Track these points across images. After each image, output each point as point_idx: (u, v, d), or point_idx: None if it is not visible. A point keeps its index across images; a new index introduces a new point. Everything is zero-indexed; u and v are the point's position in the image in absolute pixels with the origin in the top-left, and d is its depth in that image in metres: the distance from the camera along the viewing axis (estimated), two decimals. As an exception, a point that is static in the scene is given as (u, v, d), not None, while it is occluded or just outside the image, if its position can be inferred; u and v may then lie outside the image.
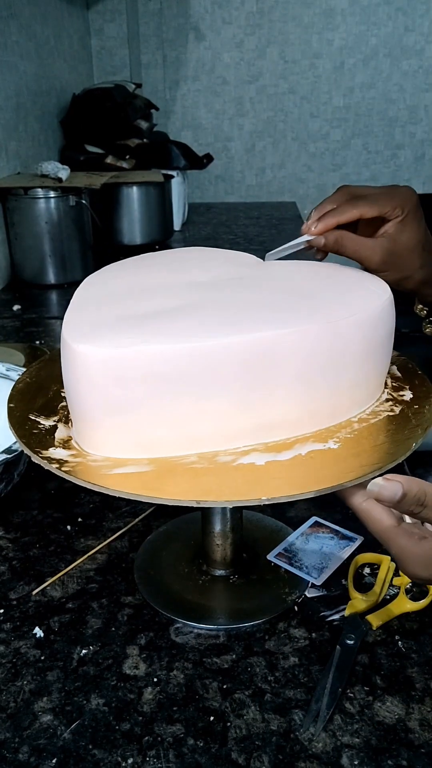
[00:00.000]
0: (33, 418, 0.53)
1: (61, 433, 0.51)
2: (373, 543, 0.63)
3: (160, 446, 0.47)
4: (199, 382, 0.46)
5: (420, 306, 0.67)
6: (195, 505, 0.42)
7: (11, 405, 0.55)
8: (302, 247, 0.61)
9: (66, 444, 0.49)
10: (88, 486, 0.44)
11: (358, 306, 0.51)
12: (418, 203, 0.58)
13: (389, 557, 0.60)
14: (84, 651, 0.53)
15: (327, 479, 0.45)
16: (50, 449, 0.49)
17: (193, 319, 0.48)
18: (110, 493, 0.44)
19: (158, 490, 0.44)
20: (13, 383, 0.59)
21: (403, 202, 0.57)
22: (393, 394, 0.56)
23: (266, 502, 0.43)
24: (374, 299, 0.52)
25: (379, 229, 0.59)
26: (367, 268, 0.59)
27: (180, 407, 0.46)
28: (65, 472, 0.46)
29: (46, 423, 0.52)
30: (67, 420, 0.52)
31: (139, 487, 0.44)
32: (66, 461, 0.47)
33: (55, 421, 0.52)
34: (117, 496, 0.44)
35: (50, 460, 0.47)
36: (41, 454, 0.48)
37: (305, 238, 0.60)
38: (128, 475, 0.46)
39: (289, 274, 0.59)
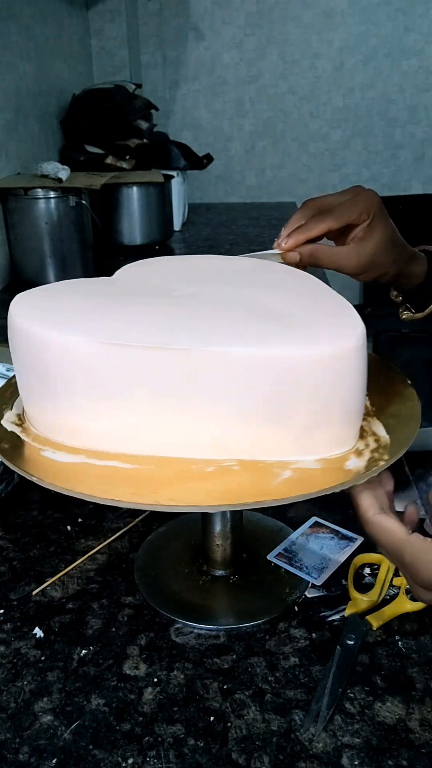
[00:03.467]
0: None
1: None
2: (373, 543, 0.63)
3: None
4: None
5: (395, 293, 0.69)
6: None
7: None
8: (276, 260, 0.62)
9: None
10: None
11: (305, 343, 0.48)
12: (381, 203, 0.60)
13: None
14: (84, 651, 0.53)
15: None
16: None
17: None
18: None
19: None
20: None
21: (368, 206, 0.59)
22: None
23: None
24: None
25: (348, 235, 0.61)
26: (345, 274, 0.60)
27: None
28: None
29: None
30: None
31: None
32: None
33: None
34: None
35: None
36: None
37: (276, 251, 0.61)
38: None
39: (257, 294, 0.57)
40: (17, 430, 0.53)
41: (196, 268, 0.63)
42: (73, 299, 0.54)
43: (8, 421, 0.54)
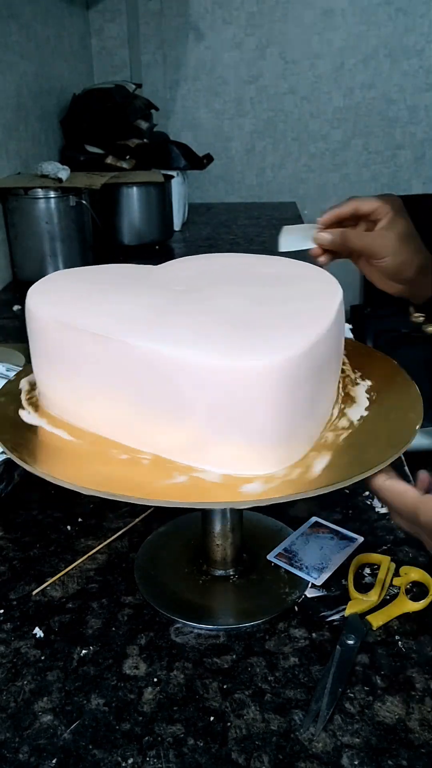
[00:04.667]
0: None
1: (213, 477, 0.48)
2: (373, 543, 0.63)
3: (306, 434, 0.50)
4: (330, 365, 0.51)
5: (417, 314, 0.72)
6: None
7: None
8: (311, 246, 0.68)
9: (262, 479, 0.47)
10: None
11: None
12: (402, 205, 0.67)
13: (389, 557, 0.60)
14: (84, 651, 0.53)
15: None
16: (245, 488, 0.47)
17: (268, 318, 0.51)
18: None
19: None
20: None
21: (391, 202, 0.66)
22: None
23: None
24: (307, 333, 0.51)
25: (374, 229, 0.67)
26: (371, 257, 0.66)
27: (322, 391, 0.50)
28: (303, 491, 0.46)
29: (179, 480, 0.48)
30: (183, 471, 0.49)
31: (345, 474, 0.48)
32: (276, 488, 0.46)
33: (185, 477, 0.48)
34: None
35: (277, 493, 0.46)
36: (241, 498, 0.46)
37: (314, 225, 0.68)
38: (327, 468, 0.49)
39: (238, 269, 0.62)
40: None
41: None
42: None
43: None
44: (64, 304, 0.54)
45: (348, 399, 0.57)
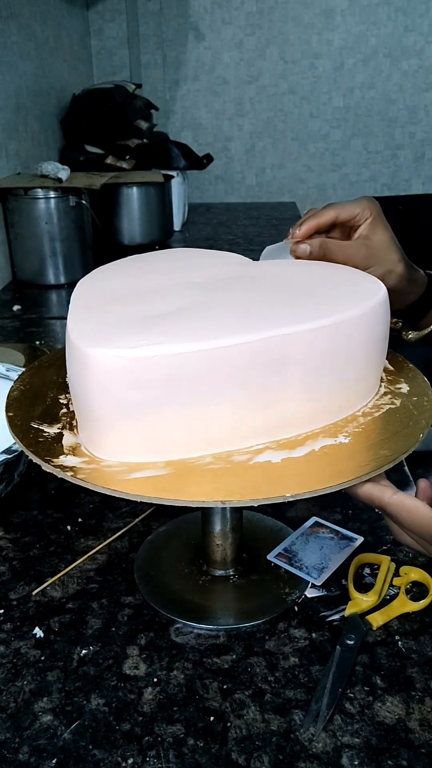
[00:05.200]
0: (36, 426, 0.52)
1: (68, 440, 0.51)
2: (373, 543, 0.63)
3: (175, 448, 0.47)
4: (214, 382, 0.46)
5: (394, 320, 0.71)
6: (220, 506, 0.43)
7: (10, 414, 0.54)
8: (288, 259, 0.64)
9: (75, 451, 0.49)
10: (108, 492, 0.44)
11: (359, 301, 0.52)
12: (380, 208, 0.64)
13: (389, 557, 0.60)
14: (84, 651, 0.53)
15: (345, 473, 0.46)
16: (60, 457, 0.48)
17: (202, 320, 0.49)
18: (131, 498, 0.44)
19: (180, 492, 0.44)
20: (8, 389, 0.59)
21: (369, 206, 0.63)
22: (390, 387, 0.57)
23: (290, 499, 0.43)
24: (372, 294, 0.53)
25: (352, 236, 0.64)
26: (354, 267, 0.62)
27: (196, 408, 0.46)
28: (81, 479, 0.45)
29: (50, 431, 0.52)
30: (71, 426, 0.52)
31: (160, 490, 0.44)
32: (80, 468, 0.47)
33: (59, 428, 0.52)
34: (138, 500, 0.44)
35: (63, 468, 0.47)
36: (52, 462, 0.47)
37: (289, 241, 0.64)
38: (147, 479, 0.46)
39: (283, 272, 0.60)
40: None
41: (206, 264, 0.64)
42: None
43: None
44: (98, 281, 0.58)
45: (296, 443, 0.50)
